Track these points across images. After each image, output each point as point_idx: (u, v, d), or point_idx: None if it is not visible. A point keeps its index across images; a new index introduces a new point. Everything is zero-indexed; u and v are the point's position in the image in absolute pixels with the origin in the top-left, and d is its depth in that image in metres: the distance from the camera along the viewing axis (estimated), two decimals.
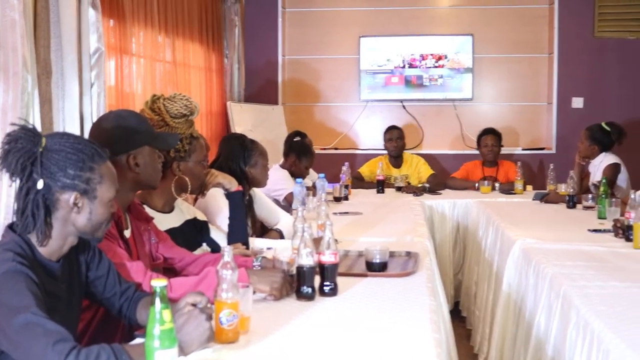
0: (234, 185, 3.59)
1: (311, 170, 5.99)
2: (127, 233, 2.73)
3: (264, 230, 4.31)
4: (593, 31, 7.88)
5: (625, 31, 7.85)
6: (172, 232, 3.11)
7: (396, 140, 6.98)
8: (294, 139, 5.92)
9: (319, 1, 8.26)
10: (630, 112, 7.72)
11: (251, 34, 8.12)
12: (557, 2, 7.87)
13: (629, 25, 7.85)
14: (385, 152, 7.14)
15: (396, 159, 6.99)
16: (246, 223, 3.77)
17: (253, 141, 4.22)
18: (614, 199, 4.69)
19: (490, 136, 6.80)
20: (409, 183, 6.76)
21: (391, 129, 7.12)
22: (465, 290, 5.73)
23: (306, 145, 5.88)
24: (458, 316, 5.65)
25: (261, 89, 8.18)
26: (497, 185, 6.42)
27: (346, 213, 5.03)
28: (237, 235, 3.48)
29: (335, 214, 4.88)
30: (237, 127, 7.12)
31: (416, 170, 6.94)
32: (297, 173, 5.44)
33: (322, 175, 5.06)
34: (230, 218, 3.55)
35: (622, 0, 7.84)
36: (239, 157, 4.08)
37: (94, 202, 2.10)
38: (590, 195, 5.26)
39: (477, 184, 6.43)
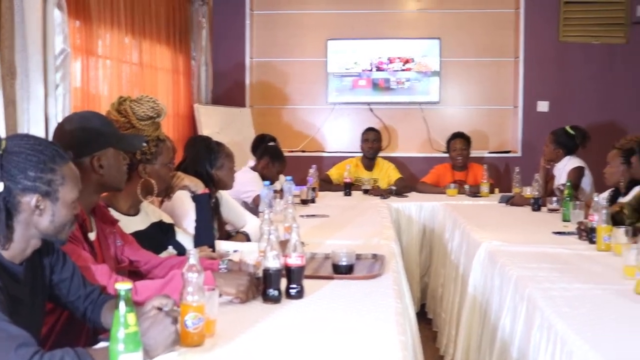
0: (200, 187, 3.58)
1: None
2: (92, 236, 2.70)
3: (229, 234, 4.29)
4: (558, 36, 7.96)
5: (590, 36, 7.94)
6: (137, 235, 3.09)
7: (372, 142, 7.02)
8: (269, 143, 5.92)
9: (287, 4, 8.25)
10: (595, 116, 7.81)
11: (219, 36, 8.09)
12: (522, 7, 7.94)
13: (593, 30, 7.94)
14: (355, 154, 7.17)
15: (370, 161, 7.02)
16: (212, 226, 3.76)
17: (219, 143, 4.20)
18: (578, 202, 4.74)
19: (460, 140, 6.83)
20: (378, 187, 6.78)
21: (369, 130, 7.17)
22: (432, 293, 5.75)
23: (280, 150, 5.88)
24: (424, 318, 5.67)
25: (229, 91, 8.15)
26: (466, 187, 6.45)
27: (313, 216, 5.04)
28: (203, 238, 3.47)
29: (302, 216, 4.89)
30: (204, 130, 7.10)
31: (386, 174, 6.97)
32: (268, 176, 5.43)
33: (289, 178, 5.06)
34: (196, 221, 3.54)
35: (586, 6, 7.93)
36: (205, 159, 4.06)
37: (56, 204, 2.08)
38: (554, 198, 5.31)
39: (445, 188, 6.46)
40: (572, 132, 6.04)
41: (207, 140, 4.29)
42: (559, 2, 7.91)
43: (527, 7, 7.94)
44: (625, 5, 7.89)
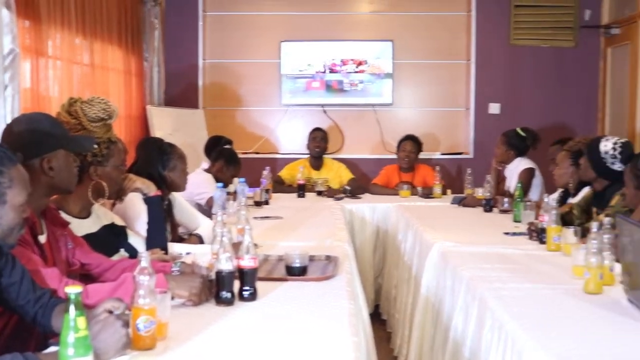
0: (152, 189, 3.56)
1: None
2: (42, 239, 2.67)
3: (181, 236, 4.26)
4: (509, 39, 8.07)
5: (539, 39, 8.06)
6: (89, 238, 3.06)
7: (319, 141, 7.04)
8: (224, 146, 5.89)
9: (240, 5, 8.23)
10: (545, 118, 7.93)
11: (171, 37, 8.03)
12: (474, 10, 8.03)
13: (542, 34, 8.06)
14: (306, 155, 7.18)
15: (316, 160, 7.03)
16: (165, 228, 3.73)
17: (171, 145, 4.18)
18: (528, 203, 4.80)
19: (409, 142, 6.87)
20: (329, 187, 6.79)
21: (316, 130, 7.18)
22: (385, 294, 5.78)
23: (235, 153, 5.85)
24: (378, 319, 5.69)
25: (181, 93, 8.10)
26: (419, 189, 6.48)
27: (267, 217, 5.03)
28: (155, 240, 3.44)
29: (255, 218, 4.88)
30: (157, 131, 7.04)
31: (337, 174, 6.98)
32: (222, 179, 5.39)
33: (242, 179, 5.04)
34: (148, 223, 3.51)
35: (536, 10, 8.05)
36: (157, 161, 4.02)
37: (4, 207, 2.05)
38: (505, 199, 5.37)
39: (397, 190, 6.49)
40: (522, 133, 6.12)
41: (159, 141, 4.26)
42: (509, 6, 8.01)
43: (478, 10, 8.02)
44: (574, 10, 8.03)
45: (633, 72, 7.25)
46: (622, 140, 4.25)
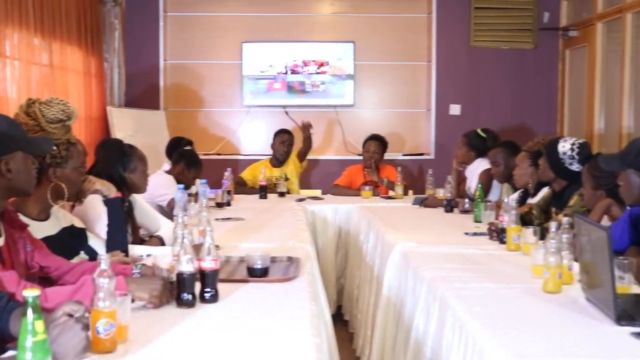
0: (112, 191, 3.52)
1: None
2: (0, 241, 2.63)
3: (142, 238, 4.23)
4: (469, 40, 8.14)
5: (499, 41, 8.15)
6: (48, 240, 3.02)
7: (287, 146, 7.03)
8: (186, 147, 5.86)
9: (201, 6, 8.20)
10: (505, 119, 8.01)
11: (132, 37, 7.98)
12: (435, 12, 8.09)
13: (502, 36, 8.15)
14: (266, 156, 7.17)
15: (280, 162, 7.03)
16: (126, 230, 3.70)
17: (132, 146, 4.14)
18: (489, 203, 4.84)
19: (374, 142, 6.88)
20: (286, 178, 6.83)
21: (284, 132, 7.16)
22: (348, 294, 5.79)
23: (197, 155, 5.82)
24: (341, 320, 5.70)
25: (142, 94, 8.05)
26: (384, 180, 6.50)
27: (228, 219, 5.01)
28: (116, 242, 3.41)
29: (217, 219, 4.86)
30: (118, 132, 6.99)
31: (295, 165, 7.01)
32: (183, 181, 5.34)
33: (203, 181, 5.01)
34: (108, 225, 3.48)
35: (496, 12, 8.13)
36: (117, 162, 3.99)
37: None
38: (466, 200, 5.41)
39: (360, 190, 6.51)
40: (483, 134, 6.17)
41: (119, 143, 4.22)
42: (469, 8, 8.09)
43: (439, 12, 8.08)
44: (533, 12, 8.12)
45: (590, 74, 7.35)
46: (580, 141, 4.31)
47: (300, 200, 6.23)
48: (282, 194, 6.52)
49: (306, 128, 7.13)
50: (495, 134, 6.24)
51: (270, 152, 7.15)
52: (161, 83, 8.15)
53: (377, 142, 6.89)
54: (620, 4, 6.72)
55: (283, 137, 7.09)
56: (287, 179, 6.89)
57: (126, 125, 7.27)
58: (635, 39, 6.58)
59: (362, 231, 5.38)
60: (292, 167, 7.04)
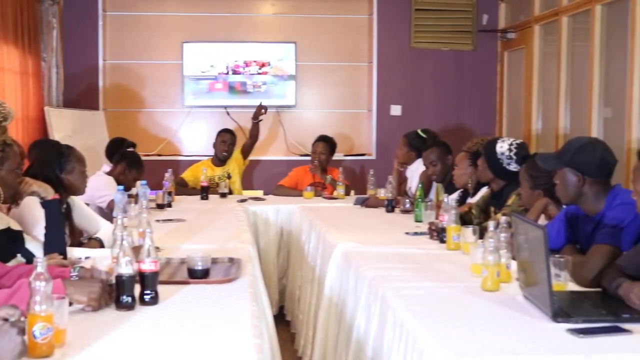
0: (50, 193, 3.47)
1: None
2: None
3: (81, 240, 4.17)
4: (409, 42, 8.21)
5: (439, 42, 8.23)
6: None
7: (228, 145, 7.00)
8: (128, 149, 5.79)
9: (141, 5, 8.12)
10: (445, 119, 8.10)
11: (70, 37, 7.86)
12: (375, 13, 8.13)
13: (442, 37, 8.24)
14: (208, 157, 7.14)
15: (222, 162, 7.00)
16: (64, 232, 3.64)
17: (69, 147, 4.08)
18: (429, 203, 4.88)
19: (321, 143, 6.89)
20: (229, 176, 6.81)
21: (226, 132, 7.12)
22: (290, 295, 5.79)
23: (138, 156, 5.76)
24: (283, 320, 5.69)
25: (81, 94, 7.94)
26: (328, 178, 6.53)
27: (169, 220, 4.97)
28: (53, 245, 3.35)
29: (158, 221, 4.82)
30: (56, 133, 6.88)
31: (237, 162, 6.99)
32: (124, 182, 5.28)
33: (144, 182, 4.97)
34: (46, 227, 3.42)
35: (436, 14, 8.22)
36: (54, 163, 3.92)
37: None
38: (407, 200, 5.45)
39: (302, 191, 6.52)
40: (423, 134, 6.22)
41: (56, 144, 4.16)
42: (410, 10, 8.15)
43: (379, 13, 8.13)
44: (472, 14, 8.23)
45: (528, 75, 7.48)
46: (518, 142, 4.38)
47: (242, 201, 6.21)
48: (223, 195, 6.49)
49: (259, 111, 7.10)
50: (435, 134, 6.30)
51: (212, 152, 7.11)
52: (100, 83, 8.04)
53: (325, 144, 6.89)
54: (556, 7, 6.85)
55: (224, 137, 7.06)
56: (229, 177, 6.86)
57: (65, 126, 7.15)
58: (571, 42, 6.71)
59: (304, 231, 5.39)
60: (234, 165, 7.01)
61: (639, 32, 5.50)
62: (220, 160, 7.01)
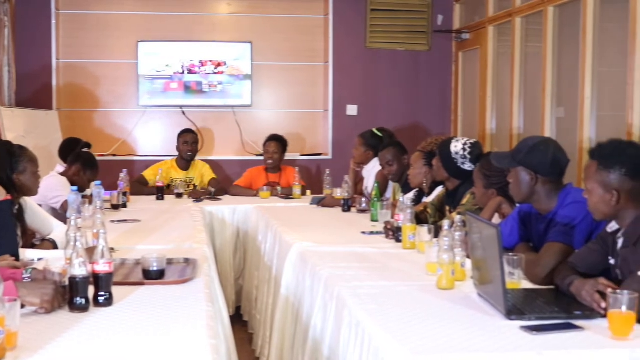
0: (1, 194, 3.42)
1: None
2: None
3: (33, 242, 4.12)
4: (365, 42, 8.23)
5: (395, 42, 8.27)
6: None
7: (191, 145, 6.95)
8: (83, 149, 5.72)
9: (96, 4, 8.03)
10: (401, 119, 8.15)
11: (22, 35, 7.75)
12: (331, 13, 8.14)
13: (397, 38, 8.27)
14: (168, 157, 7.10)
15: (187, 163, 6.95)
16: (16, 233, 3.59)
17: (21, 147, 4.02)
18: (385, 202, 4.91)
19: (273, 143, 6.88)
20: (195, 186, 6.75)
21: (186, 132, 7.09)
22: (246, 295, 5.78)
23: (93, 157, 5.70)
24: (240, 321, 5.68)
25: (34, 94, 7.82)
26: (279, 189, 6.53)
27: (124, 221, 4.93)
28: (5, 246, 3.30)
29: (112, 222, 4.78)
30: (8, 134, 6.77)
31: (200, 174, 6.95)
32: (78, 183, 5.22)
33: (98, 182, 4.92)
34: None
35: (391, 14, 8.25)
36: (5, 164, 3.86)
37: None
38: (363, 199, 5.47)
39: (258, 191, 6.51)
40: (379, 133, 6.25)
41: (8, 144, 4.10)
42: (365, 10, 8.18)
43: (335, 13, 8.15)
44: (427, 15, 8.28)
45: (482, 75, 7.55)
46: (472, 141, 4.42)
47: (198, 201, 6.18)
48: (179, 195, 6.45)
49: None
50: (390, 132, 6.34)
51: (168, 152, 7.06)
52: (54, 82, 7.94)
53: (277, 143, 6.89)
54: (510, 9, 6.92)
55: (186, 137, 7.02)
56: (193, 185, 6.82)
57: (17, 126, 7.05)
58: (524, 42, 6.79)
59: (260, 232, 5.38)
60: (198, 175, 6.96)
61: (590, 33, 5.58)
62: (185, 161, 6.96)
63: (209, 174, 6.96)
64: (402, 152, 5.51)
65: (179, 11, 8.09)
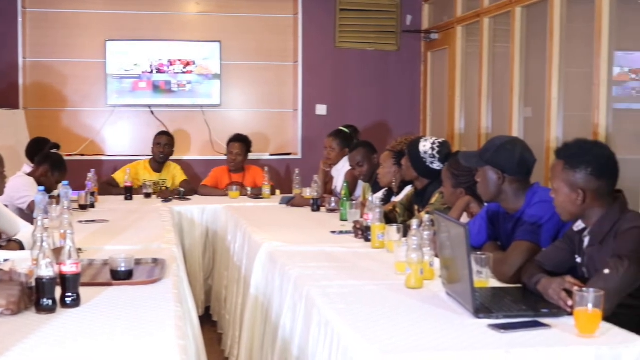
0: None
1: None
2: None
3: None
4: (334, 42, 8.24)
5: (364, 42, 8.29)
6: None
7: (164, 147, 6.91)
8: (51, 150, 5.67)
9: (63, 2, 7.96)
10: (371, 119, 8.17)
11: None
12: (300, 13, 8.14)
13: (367, 37, 8.29)
14: (137, 157, 7.06)
15: (159, 165, 6.91)
16: None
17: None
18: (354, 202, 4.92)
19: (237, 144, 6.86)
20: (167, 188, 6.72)
21: (160, 134, 7.05)
22: (216, 295, 5.76)
23: (62, 158, 5.65)
24: (209, 321, 5.67)
25: (1, 93, 7.73)
26: (248, 189, 6.51)
27: (92, 221, 4.89)
28: None
29: (80, 222, 4.75)
30: None
31: (172, 175, 6.91)
32: (46, 184, 5.16)
33: (66, 182, 4.88)
34: None
35: (361, 14, 8.27)
36: None
37: None
38: (332, 199, 5.47)
39: (227, 191, 6.48)
40: (347, 130, 6.25)
41: None
42: (335, 10, 8.19)
43: (304, 13, 8.15)
44: (396, 15, 8.31)
45: (451, 75, 7.59)
46: (440, 140, 4.44)
47: (167, 201, 6.15)
48: (148, 195, 6.42)
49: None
50: (354, 127, 6.34)
51: (136, 152, 7.01)
52: (20, 81, 7.86)
53: (240, 144, 6.87)
54: (478, 9, 6.96)
55: (160, 139, 6.96)
56: (165, 187, 6.79)
57: None
58: (492, 42, 6.84)
59: (229, 231, 5.37)
60: (170, 177, 6.92)
61: (557, 34, 5.63)
62: (157, 163, 6.92)
63: (180, 176, 6.93)
64: (371, 152, 5.53)
65: (148, 10, 8.04)
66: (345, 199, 5.01)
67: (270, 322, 3.68)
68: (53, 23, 7.96)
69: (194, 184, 6.92)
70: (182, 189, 6.48)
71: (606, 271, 2.57)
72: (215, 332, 5.47)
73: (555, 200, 2.89)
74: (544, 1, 5.83)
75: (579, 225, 2.89)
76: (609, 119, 5.12)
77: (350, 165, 5.69)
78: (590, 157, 2.80)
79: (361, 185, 5.84)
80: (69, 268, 2.52)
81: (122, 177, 6.70)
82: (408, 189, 4.72)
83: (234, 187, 6.43)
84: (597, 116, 5.14)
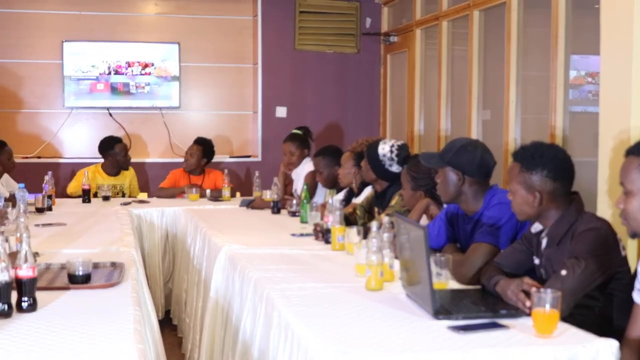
0: None
1: (10, 180, 5.69)
2: None
3: None
4: (294, 44, 8.24)
5: (324, 45, 8.30)
6: None
7: (124, 156, 6.84)
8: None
9: (19, 3, 7.86)
10: (330, 121, 8.18)
11: None
12: (260, 15, 8.13)
13: (326, 40, 8.30)
14: (95, 160, 6.99)
15: (116, 170, 6.84)
16: None
17: None
18: (314, 204, 4.92)
19: (194, 146, 6.82)
20: (123, 194, 6.67)
21: (118, 142, 6.94)
22: (176, 298, 5.72)
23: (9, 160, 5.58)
24: (170, 325, 5.63)
25: None
26: (207, 192, 6.47)
27: (49, 224, 4.83)
28: None
29: (37, 225, 4.69)
30: None
31: (129, 182, 6.86)
32: None
33: (21, 185, 4.82)
34: None
35: (320, 16, 8.28)
36: None
37: None
38: (294, 201, 5.47)
39: (185, 192, 6.41)
40: (300, 132, 6.23)
41: None
42: (294, 12, 8.18)
43: (264, 15, 8.13)
44: (356, 17, 8.33)
45: (410, 78, 7.63)
46: (399, 143, 4.45)
47: (126, 203, 6.10)
48: (106, 198, 6.35)
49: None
50: (306, 127, 6.32)
51: (94, 154, 6.94)
52: None
53: (199, 146, 6.83)
54: (436, 12, 7.01)
55: (120, 146, 6.86)
56: (122, 192, 6.73)
57: None
58: (451, 45, 6.89)
59: (189, 234, 5.34)
60: (128, 184, 6.86)
61: (514, 37, 5.69)
62: (116, 168, 6.84)
63: (135, 182, 6.90)
64: (334, 160, 5.45)
65: (106, 11, 7.97)
66: (305, 201, 5.00)
67: (230, 325, 3.67)
68: (8, 23, 7.85)
69: (152, 187, 6.87)
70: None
71: (563, 272, 2.60)
72: (176, 335, 5.43)
73: (513, 201, 2.91)
74: (501, 5, 5.89)
75: (536, 227, 2.92)
76: (566, 121, 5.18)
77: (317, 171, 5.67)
78: (546, 159, 2.83)
79: (321, 188, 5.83)
80: (25, 272, 2.48)
81: (77, 186, 6.58)
82: (368, 191, 4.73)
83: (193, 190, 6.37)
84: (554, 119, 5.20)
